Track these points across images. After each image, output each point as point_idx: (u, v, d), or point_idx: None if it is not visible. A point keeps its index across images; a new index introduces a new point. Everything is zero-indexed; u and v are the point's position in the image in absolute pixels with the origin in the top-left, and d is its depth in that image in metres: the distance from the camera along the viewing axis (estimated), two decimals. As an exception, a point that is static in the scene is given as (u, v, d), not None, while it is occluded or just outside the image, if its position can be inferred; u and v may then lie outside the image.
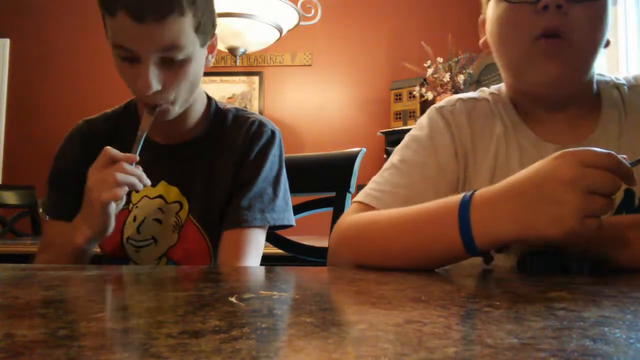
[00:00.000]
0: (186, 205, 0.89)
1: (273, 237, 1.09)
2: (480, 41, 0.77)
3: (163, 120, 0.85)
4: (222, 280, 0.50)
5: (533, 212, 0.50)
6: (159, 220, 0.90)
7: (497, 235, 0.53)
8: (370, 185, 0.75)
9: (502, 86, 0.79)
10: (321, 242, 1.07)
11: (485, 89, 0.80)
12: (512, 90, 0.76)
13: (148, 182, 0.80)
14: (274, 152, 0.92)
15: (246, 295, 0.37)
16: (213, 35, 0.88)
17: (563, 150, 0.50)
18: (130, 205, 0.91)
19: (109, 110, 1.00)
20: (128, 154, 0.79)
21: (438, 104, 0.79)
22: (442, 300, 0.38)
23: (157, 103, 0.81)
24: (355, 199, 0.75)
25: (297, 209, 1.08)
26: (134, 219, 0.90)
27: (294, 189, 1.11)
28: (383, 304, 0.35)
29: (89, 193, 0.77)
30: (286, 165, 0.97)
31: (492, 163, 0.72)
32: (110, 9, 0.74)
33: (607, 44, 0.70)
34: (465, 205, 0.54)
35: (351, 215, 0.69)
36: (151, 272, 0.56)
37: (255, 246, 0.88)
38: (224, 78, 3.37)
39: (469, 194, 0.55)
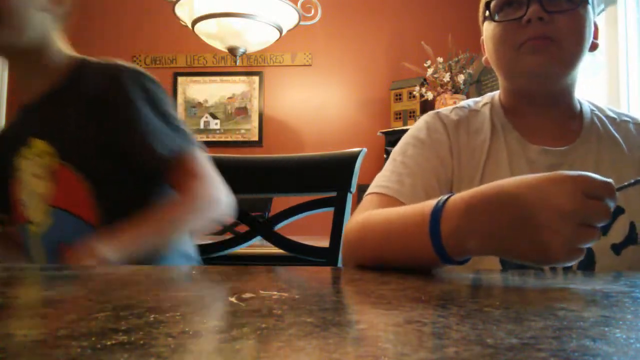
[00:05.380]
0: (55, 155, 0.92)
1: (273, 236, 1.09)
2: (483, 59, 0.84)
3: None
4: (222, 280, 0.50)
5: (516, 234, 0.48)
6: (37, 176, 0.93)
7: (471, 249, 0.52)
8: (377, 180, 0.78)
9: (496, 94, 0.85)
10: (321, 242, 1.07)
11: (479, 98, 0.86)
12: (505, 93, 0.82)
13: None
14: (138, 90, 0.92)
15: (246, 295, 0.37)
16: None
17: (560, 173, 0.47)
18: (16, 172, 0.95)
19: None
20: None
21: (435, 110, 0.85)
22: (442, 300, 0.38)
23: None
24: (367, 192, 0.77)
25: (297, 209, 1.08)
26: (21, 182, 0.94)
27: (294, 189, 1.11)
28: (383, 304, 0.35)
29: None
30: (286, 165, 0.96)
31: (482, 160, 0.76)
32: None
33: (594, 47, 0.77)
34: (436, 215, 0.53)
35: (355, 218, 0.70)
36: (151, 272, 0.56)
37: (201, 163, 0.91)
38: (224, 78, 3.37)
39: (442, 200, 0.54)
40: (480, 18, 0.81)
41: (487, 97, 0.86)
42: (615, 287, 0.45)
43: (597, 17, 2.08)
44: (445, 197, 0.54)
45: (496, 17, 0.75)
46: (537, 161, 0.75)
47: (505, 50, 0.75)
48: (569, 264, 0.47)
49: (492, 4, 0.75)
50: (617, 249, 0.70)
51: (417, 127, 0.83)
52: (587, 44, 0.75)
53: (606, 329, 0.27)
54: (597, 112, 0.81)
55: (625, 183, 0.52)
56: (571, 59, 0.73)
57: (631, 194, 0.71)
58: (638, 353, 0.23)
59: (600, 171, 0.72)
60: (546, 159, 0.75)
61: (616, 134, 0.78)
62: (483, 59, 0.84)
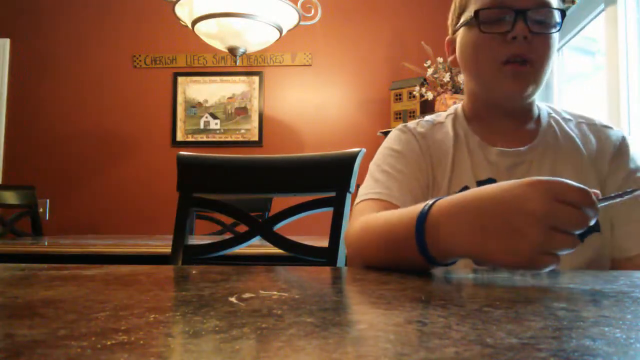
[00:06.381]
0: None
1: (273, 236, 1.09)
2: (450, 59, 0.88)
3: None
4: (222, 280, 0.50)
5: (489, 237, 0.48)
6: None
7: (451, 251, 0.53)
8: (364, 190, 0.82)
9: (459, 106, 0.91)
10: (321, 242, 1.07)
11: (442, 112, 0.93)
12: (470, 96, 0.88)
13: None
14: None
15: (246, 295, 0.37)
16: None
17: (535, 178, 0.48)
18: None
19: None
20: None
21: (401, 124, 0.91)
22: (442, 300, 0.38)
23: None
24: (356, 202, 0.82)
25: (297, 209, 1.08)
26: None
27: (294, 189, 1.11)
28: (383, 304, 0.35)
29: None
30: (286, 165, 0.96)
31: (449, 169, 0.81)
32: None
33: None
34: (421, 218, 0.55)
35: (356, 222, 0.73)
36: (151, 272, 0.56)
37: None
38: (224, 78, 3.37)
39: (428, 204, 0.55)
40: (452, 21, 0.85)
41: (451, 109, 0.92)
42: (615, 287, 0.45)
43: (597, 18, 2.08)
44: (432, 201, 0.56)
45: (482, 27, 0.77)
46: (497, 162, 0.80)
47: (486, 62, 0.78)
48: (543, 270, 0.46)
49: (482, 14, 0.77)
50: (580, 236, 0.72)
51: (390, 140, 0.88)
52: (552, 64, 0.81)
53: (606, 329, 0.27)
54: (554, 114, 0.87)
55: (612, 194, 0.51)
56: (541, 79, 0.79)
57: (592, 185, 0.73)
58: (638, 353, 0.23)
59: (557, 168, 0.78)
60: (505, 159, 0.80)
61: (572, 132, 0.83)
62: (450, 59, 0.88)
